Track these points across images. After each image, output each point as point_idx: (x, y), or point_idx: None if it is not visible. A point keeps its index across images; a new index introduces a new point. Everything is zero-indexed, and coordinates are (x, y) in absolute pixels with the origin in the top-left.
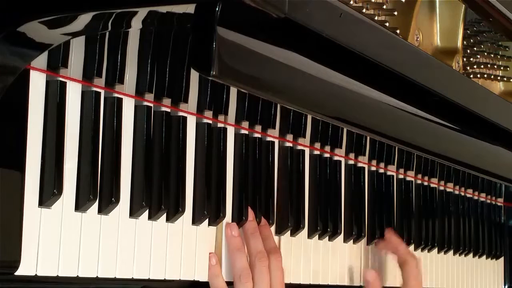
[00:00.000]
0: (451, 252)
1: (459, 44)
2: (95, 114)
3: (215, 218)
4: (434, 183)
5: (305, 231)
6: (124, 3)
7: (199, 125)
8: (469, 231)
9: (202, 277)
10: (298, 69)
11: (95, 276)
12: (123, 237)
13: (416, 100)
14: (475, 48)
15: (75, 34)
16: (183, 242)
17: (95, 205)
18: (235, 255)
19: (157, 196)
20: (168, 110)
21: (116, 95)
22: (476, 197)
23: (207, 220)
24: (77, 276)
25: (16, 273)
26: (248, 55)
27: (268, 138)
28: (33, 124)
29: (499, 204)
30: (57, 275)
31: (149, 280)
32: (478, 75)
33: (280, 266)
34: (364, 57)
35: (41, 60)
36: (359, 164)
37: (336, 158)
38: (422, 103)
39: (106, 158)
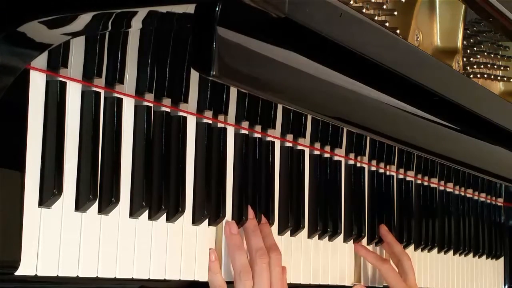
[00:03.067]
0: (451, 252)
1: (459, 44)
2: (95, 114)
3: (215, 218)
4: (434, 183)
5: (305, 231)
6: (124, 3)
7: (199, 125)
8: (469, 231)
9: (202, 277)
10: (298, 69)
11: (95, 276)
12: (123, 237)
13: (416, 100)
14: (475, 48)
15: (75, 34)
16: (183, 242)
17: (95, 205)
18: (234, 252)
19: (157, 196)
20: (168, 110)
21: (116, 95)
22: (476, 197)
23: (207, 220)
24: (77, 276)
25: (16, 273)
26: (248, 55)
27: (268, 138)
28: (33, 124)
29: (499, 204)
30: (57, 275)
31: (148, 280)
32: (478, 75)
33: (279, 263)
34: (364, 57)
35: (41, 60)
36: (359, 164)
37: (336, 158)
38: (422, 103)
39: (106, 158)
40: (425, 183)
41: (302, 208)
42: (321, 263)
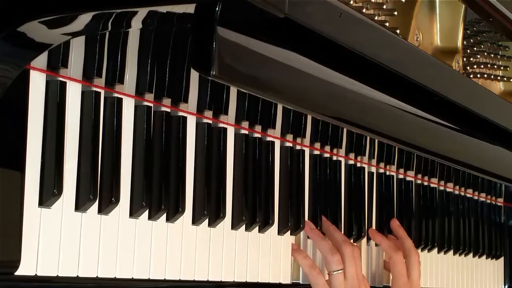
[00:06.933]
0: (451, 252)
1: (459, 44)
2: (95, 114)
3: (215, 218)
4: (434, 183)
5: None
6: (124, 3)
7: (199, 125)
8: (469, 231)
9: (202, 277)
10: (298, 69)
11: (95, 276)
12: (123, 237)
13: (416, 100)
14: (475, 48)
15: (75, 34)
16: (183, 242)
17: (95, 205)
18: (321, 241)
19: (157, 196)
20: (168, 110)
21: (116, 95)
22: (476, 197)
23: (207, 220)
24: (77, 276)
25: (16, 273)
26: (248, 55)
27: (268, 138)
28: (33, 124)
29: (499, 204)
30: (57, 275)
31: (149, 280)
32: (478, 75)
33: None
34: (364, 57)
35: (41, 60)
36: (359, 164)
37: (336, 158)
38: (422, 103)
39: (106, 158)
40: (425, 183)
41: (302, 208)
42: (321, 262)
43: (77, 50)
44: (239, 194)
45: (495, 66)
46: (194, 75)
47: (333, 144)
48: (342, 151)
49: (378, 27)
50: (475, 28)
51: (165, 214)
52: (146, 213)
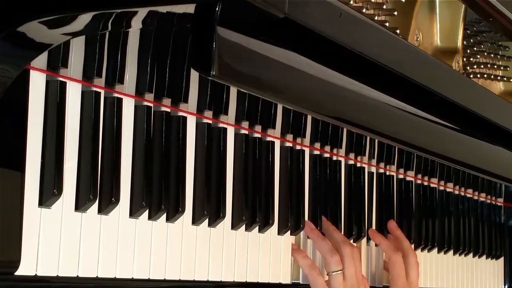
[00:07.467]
0: (451, 252)
1: (459, 44)
2: (95, 114)
3: (215, 218)
4: (434, 183)
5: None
6: (124, 3)
7: (199, 125)
8: (469, 231)
9: (202, 277)
10: (298, 69)
11: (95, 276)
12: (123, 237)
13: (416, 100)
14: (475, 48)
15: (75, 34)
16: (183, 242)
17: (95, 205)
18: (320, 241)
19: (157, 196)
20: (168, 110)
21: (116, 95)
22: (476, 197)
23: (207, 220)
24: (77, 276)
25: (16, 273)
26: (248, 55)
27: (268, 138)
28: (33, 124)
29: (499, 204)
30: (57, 275)
31: (149, 280)
32: (478, 75)
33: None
34: (364, 57)
35: (41, 60)
36: (359, 164)
37: (336, 158)
38: (422, 103)
39: (106, 158)
40: (425, 183)
41: (302, 208)
42: (321, 262)
43: (77, 50)
44: (239, 194)
45: (495, 66)
46: (194, 75)
47: (333, 144)
48: (342, 151)
49: (378, 27)
50: (475, 28)
51: (165, 214)
52: (146, 213)
